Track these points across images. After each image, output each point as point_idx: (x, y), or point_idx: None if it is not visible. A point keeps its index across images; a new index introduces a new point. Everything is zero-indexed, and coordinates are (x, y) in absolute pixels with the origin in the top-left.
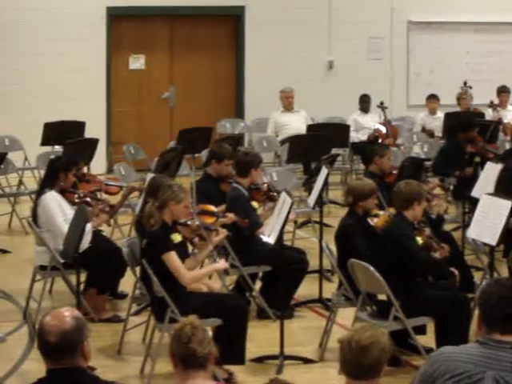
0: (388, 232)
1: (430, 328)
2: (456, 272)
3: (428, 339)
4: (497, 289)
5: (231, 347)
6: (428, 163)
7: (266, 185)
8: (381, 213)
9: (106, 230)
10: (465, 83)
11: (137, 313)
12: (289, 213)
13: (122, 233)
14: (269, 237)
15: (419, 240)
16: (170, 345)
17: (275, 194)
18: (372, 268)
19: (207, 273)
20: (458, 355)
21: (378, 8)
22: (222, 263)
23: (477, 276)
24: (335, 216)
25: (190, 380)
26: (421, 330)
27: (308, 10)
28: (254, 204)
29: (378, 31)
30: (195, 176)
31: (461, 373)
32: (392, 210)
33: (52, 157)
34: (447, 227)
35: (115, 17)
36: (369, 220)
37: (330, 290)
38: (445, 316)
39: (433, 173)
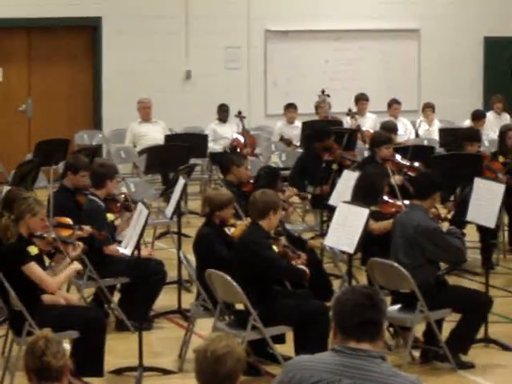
0: (244, 241)
1: (290, 337)
2: (307, 270)
3: (287, 348)
4: (351, 296)
5: (90, 359)
6: (285, 172)
7: (122, 195)
8: (238, 222)
9: None
10: (322, 92)
11: None
12: (146, 224)
13: None
14: (126, 248)
15: (275, 249)
16: (24, 358)
17: (132, 204)
18: (229, 277)
19: (69, 275)
20: (314, 363)
21: (234, 17)
22: (76, 264)
23: (335, 284)
24: (194, 226)
25: None
26: (280, 338)
27: (165, 19)
28: (110, 216)
29: (235, 40)
30: (53, 188)
31: (316, 381)
32: (249, 220)
33: None
34: (305, 236)
35: None
36: (226, 230)
37: (188, 300)
38: (303, 325)
39: (289, 184)
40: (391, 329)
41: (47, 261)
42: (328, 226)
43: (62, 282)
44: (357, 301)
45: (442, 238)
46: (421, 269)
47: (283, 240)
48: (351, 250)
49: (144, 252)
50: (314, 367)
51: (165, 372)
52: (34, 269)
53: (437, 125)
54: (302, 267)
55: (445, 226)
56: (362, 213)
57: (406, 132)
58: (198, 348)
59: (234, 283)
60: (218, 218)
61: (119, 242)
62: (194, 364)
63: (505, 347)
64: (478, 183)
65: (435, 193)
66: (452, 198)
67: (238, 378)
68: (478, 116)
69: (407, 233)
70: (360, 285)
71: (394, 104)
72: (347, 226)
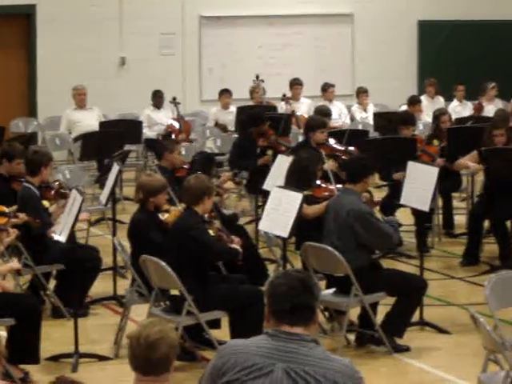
0: (179, 227)
1: (226, 322)
2: (240, 249)
3: (223, 333)
4: (285, 280)
5: (26, 347)
6: (221, 158)
7: (57, 183)
8: (172, 208)
9: None
10: (257, 77)
11: None
12: (80, 210)
13: None
14: (60, 235)
15: (210, 233)
16: None
17: (67, 191)
18: (164, 263)
19: (1, 272)
20: (248, 348)
21: (168, 3)
22: (15, 263)
23: (270, 268)
24: (129, 213)
25: None
26: (215, 324)
27: (99, 6)
28: (45, 203)
29: (169, 27)
30: None
31: (250, 365)
32: (183, 205)
33: None
34: (241, 221)
35: None
36: (160, 215)
37: (124, 286)
38: (238, 309)
39: (229, 167)
40: (326, 313)
41: None
42: (263, 211)
43: None
44: (290, 285)
45: (373, 223)
46: (355, 252)
47: (217, 224)
48: (285, 235)
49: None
50: (247, 351)
51: (100, 358)
52: None
53: (371, 109)
54: (235, 246)
55: (377, 209)
56: (296, 197)
57: (340, 116)
58: (132, 334)
59: (169, 269)
60: (152, 204)
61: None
62: (128, 350)
63: (440, 330)
64: (412, 167)
65: (367, 176)
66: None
67: (172, 364)
68: (414, 101)
69: (340, 217)
70: (293, 269)
71: (328, 88)
72: (281, 211)
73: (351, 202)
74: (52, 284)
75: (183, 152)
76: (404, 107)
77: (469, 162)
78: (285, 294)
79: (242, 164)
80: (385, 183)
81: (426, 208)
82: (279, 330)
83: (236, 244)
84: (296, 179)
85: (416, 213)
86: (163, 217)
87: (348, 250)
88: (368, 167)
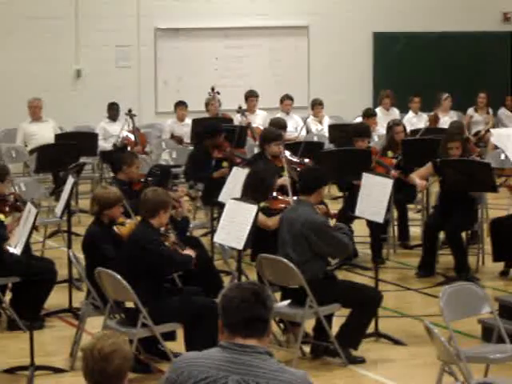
0: (134, 239)
1: (181, 334)
2: (193, 255)
3: (178, 345)
4: (238, 293)
5: None
6: (176, 170)
7: (12, 195)
8: (127, 221)
9: None
10: (212, 89)
11: None
12: (34, 223)
13: None
14: (15, 247)
15: (166, 245)
16: None
17: (22, 204)
18: (119, 276)
19: None
20: (201, 360)
21: (124, 15)
22: None
23: (226, 280)
24: (85, 225)
25: None
26: (170, 336)
27: (55, 19)
28: (1, 216)
29: (125, 39)
30: None
31: (204, 378)
32: (139, 218)
33: None
34: (197, 233)
35: None
36: (115, 228)
37: (79, 299)
38: (193, 321)
39: (185, 179)
40: (281, 324)
41: None
42: (218, 223)
43: None
44: (243, 297)
45: (328, 233)
46: (309, 264)
47: (173, 237)
48: (240, 247)
49: None
50: (201, 364)
51: (56, 371)
52: None
53: (327, 121)
54: (189, 252)
55: (333, 222)
56: (251, 209)
57: (297, 128)
58: (85, 346)
59: (124, 281)
60: (107, 217)
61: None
62: (82, 362)
63: (395, 341)
64: (367, 178)
65: (320, 187)
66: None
67: (126, 376)
68: (369, 115)
69: (294, 228)
70: (246, 281)
71: (286, 99)
72: (236, 223)
73: (305, 213)
74: (8, 297)
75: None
76: (359, 119)
77: (416, 180)
78: (238, 306)
79: (197, 176)
80: (340, 195)
81: (380, 220)
82: (233, 343)
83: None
84: (252, 191)
85: (371, 224)
86: (118, 230)
87: (303, 261)
88: (321, 178)
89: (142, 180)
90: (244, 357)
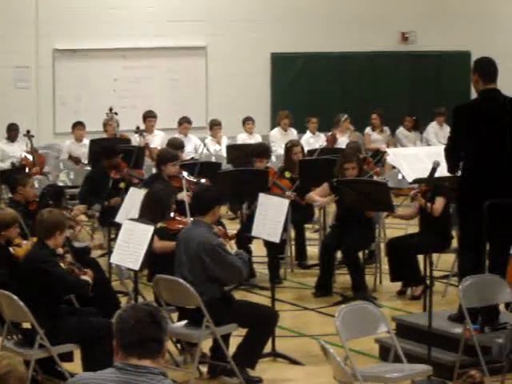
0: (30, 260)
1: (78, 354)
2: (90, 281)
3: (76, 366)
4: (132, 313)
5: None
6: (74, 190)
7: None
8: (23, 242)
9: None
10: (110, 110)
11: None
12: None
13: None
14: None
15: (62, 266)
16: None
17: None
18: (15, 296)
19: None
20: (96, 381)
21: (22, 36)
22: None
23: (123, 301)
24: None
25: None
26: (68, 356)
27: None
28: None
29: (23, 60)
30: None
31: None
32: (35, 239)
33: None
34: (94, 254)
35: None
36: (11, 249)
37: None
38: (89, 342)
39: (79, 201)
40: (178, 345)
41: None
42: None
43: None
44: (138, 318)
45: (222, 255)
46: (206, 284)
47: (69, 257)
48: (136, 267)
49: None
50: None
51: None
52: None
53: (225, 141)
54: (86, 278)
55: (232, 244)
56: (147, 230)
57: (195, 149)
58: None
59: (21, 302)
60: (3, 238)
61: None
62: None
63: (292, 361)
64: (263, 198)
65: (214, 207)
66: (239, 214)
67: None
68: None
69: (190, 249)
70: (141, 302)
71: (184, 123)
72: (132, 243)
73: (201, 234)
74: None
75: (36, 185)
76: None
77: (316, 197)
78: (132, 327)
79: (92, 199)
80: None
81: (276, 240)
82: (127, 363)
83: (88, 277)
84: (150, 212)
85: (268, 244)
86: (14, 250)
87: (199, 282)
88: (214, 198)
89: (37, 200)
90: (138, 378)
